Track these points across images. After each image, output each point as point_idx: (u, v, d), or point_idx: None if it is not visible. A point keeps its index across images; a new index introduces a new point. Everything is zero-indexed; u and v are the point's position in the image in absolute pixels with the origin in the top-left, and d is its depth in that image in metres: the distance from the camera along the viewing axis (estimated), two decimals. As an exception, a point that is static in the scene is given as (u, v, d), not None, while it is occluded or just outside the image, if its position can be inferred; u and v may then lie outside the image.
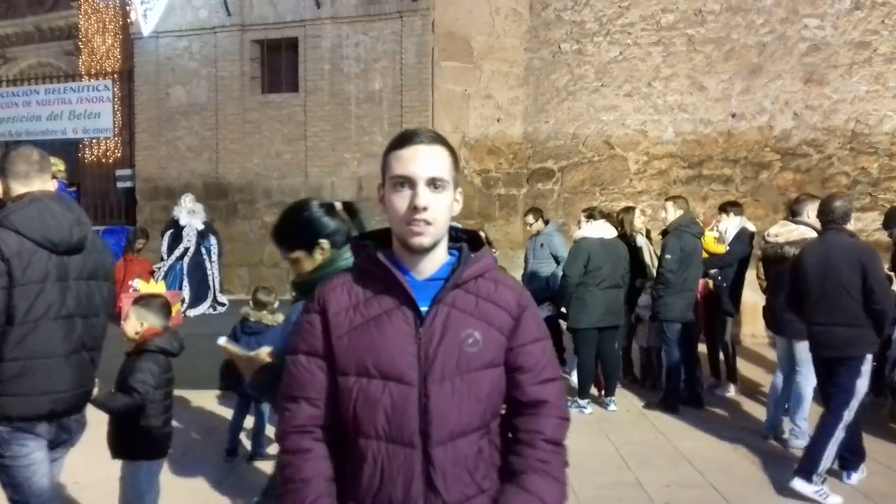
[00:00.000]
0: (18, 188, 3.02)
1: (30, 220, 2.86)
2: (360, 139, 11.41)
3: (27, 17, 15.18)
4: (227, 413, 6.89)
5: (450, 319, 1.65)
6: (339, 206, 2.60)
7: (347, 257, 2.33)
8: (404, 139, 1.68)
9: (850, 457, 4.98)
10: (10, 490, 2.97)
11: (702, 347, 7.47)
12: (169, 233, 9.71)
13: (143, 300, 4.06)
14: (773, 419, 5.97)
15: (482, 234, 4.83)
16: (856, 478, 4.98)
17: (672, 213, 6.88)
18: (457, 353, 1.63)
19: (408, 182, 1.63)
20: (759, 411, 6.49)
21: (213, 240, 9.82)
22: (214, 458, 5.64)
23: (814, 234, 5.61)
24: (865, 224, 9.73)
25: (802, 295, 4.97)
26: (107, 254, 3.34)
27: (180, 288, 9.40)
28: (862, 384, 4.73)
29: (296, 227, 2.51)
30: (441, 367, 1.62)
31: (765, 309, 6.38)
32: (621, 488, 5.01)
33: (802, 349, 5.66)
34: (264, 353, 2.56)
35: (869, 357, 4.78)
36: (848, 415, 4.70)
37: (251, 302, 5.92)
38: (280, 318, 5.82)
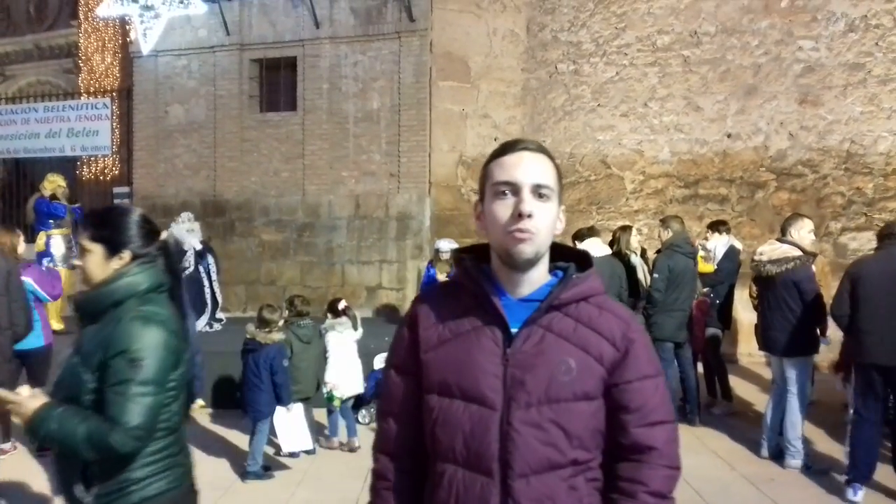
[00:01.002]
0: None
1: None
2: (357, 158, 11.45)
3: (27, 35, 15.24)
4: (222, 431, 6.87)
5: (543, 343, 1.53)
6: (164, 234, 2.49)
7: (135, 273, 2.26)
8: (508, 146, 1.59)
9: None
10: None
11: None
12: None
13: None
14: (770, 438, 5.96)
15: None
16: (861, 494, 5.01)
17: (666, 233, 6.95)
18: (547, 379, 1.51)
19: (511, 188, 1.52)
20: (755, 430, 6.48)
21: (210, 259, 9.80)
22: (209, 477, 5.61)
23: (798, 253, 5.66)
24: (861, 244, 9.76)
25: (858, 302, 5.05)
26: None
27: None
28: None
29: (117, 223, 2.34)
30: (528, 393, 1.50)
31: (756, 327, 6.41)
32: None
33: (793, 367, 5.69)
34: (25, 394, 2.21)
35: None
36: None
37: (256, 319, 5.92)
38: (277, 336, 5.81)
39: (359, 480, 5.43)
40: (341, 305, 6.63)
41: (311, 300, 7.40)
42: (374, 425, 6.90)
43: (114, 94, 13.35)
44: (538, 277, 1.59)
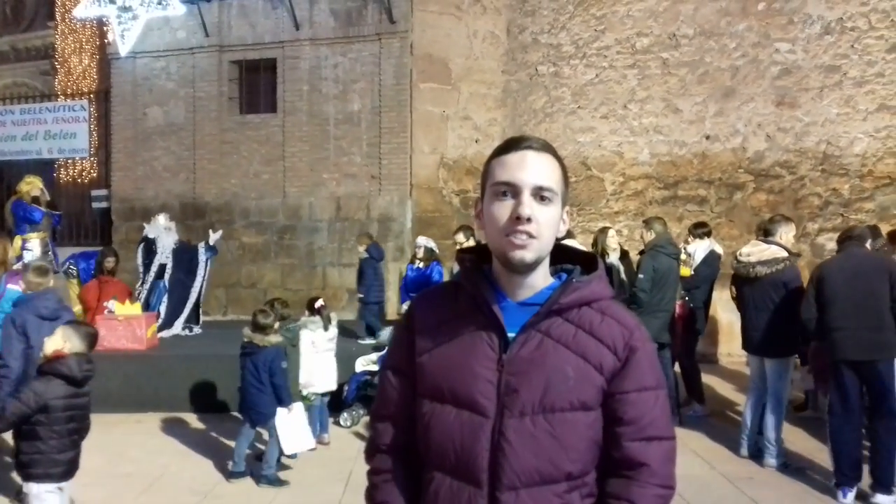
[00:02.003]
0: None
1: None
2: (338, 159, 11.42)
3: (3, 37, 15.09)
4: (200, 436, 6.83)
5: (541, 349, 1.46)
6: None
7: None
8: (511, 144, 1.50)
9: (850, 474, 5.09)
10: None
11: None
12: (141, 248, 9.46)
13: (75, 324, 4.13)
14: (748, 437, 6.02)
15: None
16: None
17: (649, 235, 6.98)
18: (543, 387, 1.43)
19: (511, 189, 1.44)
20: (734, 429, 6.53)
21: (208, 260, 9.61)
22: (189, 482, 5.57)
23: (785, 254, 5.71)
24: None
25: (825, 303, 5.17)
26: None
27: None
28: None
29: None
30: (522, 401, 1.43)
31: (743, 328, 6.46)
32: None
33: (774, 367, 5.74)
34: None
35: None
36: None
37: (251, 323, 5.88)
38: (274, 339, 5.77)
39: (340, 484, 5.42)
40: (318, 304, 6.63)
41: (291, 303, 7.36)
42: (355, 429, 6.89)
43: (91, 95, 13.25)
44: (539, 281, 1.52)
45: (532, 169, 1.45)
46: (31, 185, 9.66)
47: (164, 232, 9.38)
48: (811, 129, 10.06)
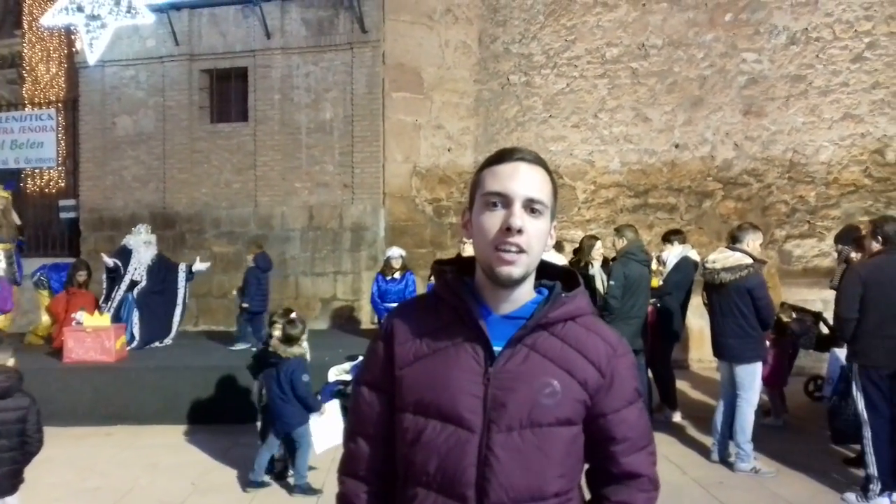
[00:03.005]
0: None
1: None
2: (310, 168, 11.38)
3: (-32, 45, 14.84)
4: (170, 448, 6.73)
5: (527, 363, 1.44)
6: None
7: None
8: (504, 155, 1.49)
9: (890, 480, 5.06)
10: None
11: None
12: (113, 255, 9.26)
13: None
14: (720, 443, 6.07)
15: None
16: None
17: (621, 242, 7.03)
18: (530, 402, 1.41)
19: (503, 200, 1.43)
20: (706, 435, 6.59)
21: (186, 274, 9.52)
22: (160, 495, 5.50)
23: (749, 261, 5.78)
24: (804, 251, 10.05)
25: (866, 309, 4.99)
26: None
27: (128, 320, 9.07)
28: None
29: None
30: (510, 415, 1.41)
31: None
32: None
33: (743, 373, 5.81)
34: None
35: None
36: None
37: (282, 335, 5.77)
38: (297, 350, 5.69)
39: (311, 498, 5.38)
40: (292, 315, 6.58)
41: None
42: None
43: (59, 104, 13.08)
44: (524, 295, 1.50)
45: (524, 181, 1.44)
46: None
47: (143, 246, 9.21)
48: (778, 137, 10.23)
